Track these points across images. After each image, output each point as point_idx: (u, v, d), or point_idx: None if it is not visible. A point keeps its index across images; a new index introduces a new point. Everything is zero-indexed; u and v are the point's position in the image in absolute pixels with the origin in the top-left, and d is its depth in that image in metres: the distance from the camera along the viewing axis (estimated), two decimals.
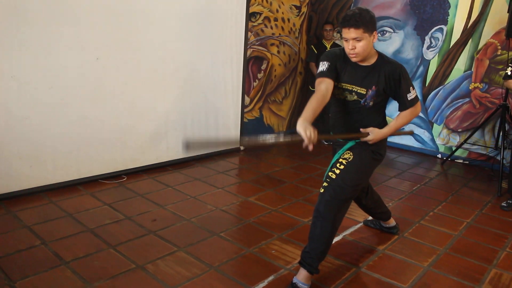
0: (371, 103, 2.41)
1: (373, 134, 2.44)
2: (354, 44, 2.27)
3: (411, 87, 2.39)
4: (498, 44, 4.85)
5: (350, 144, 2.52)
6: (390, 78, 2.35)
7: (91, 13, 3.54)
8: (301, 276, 2.37)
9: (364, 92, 2.38)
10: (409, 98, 2.39)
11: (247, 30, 4.99)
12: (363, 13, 2.24)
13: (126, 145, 4.05)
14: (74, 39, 3.48)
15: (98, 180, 3.87)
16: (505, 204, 3.80)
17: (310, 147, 2.05)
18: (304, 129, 2.03)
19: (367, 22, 2.23)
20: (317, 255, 2.36)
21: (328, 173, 2.44)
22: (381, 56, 2.42)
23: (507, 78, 3.74)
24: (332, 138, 2.67)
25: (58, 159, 3.58)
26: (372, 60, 2.39)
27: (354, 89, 2.41)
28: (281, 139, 2.28)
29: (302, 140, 2.05)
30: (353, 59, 2.36)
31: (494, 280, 2.62)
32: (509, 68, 3.72)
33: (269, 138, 2.23)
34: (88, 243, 2.78)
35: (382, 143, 2.56)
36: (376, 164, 2.61)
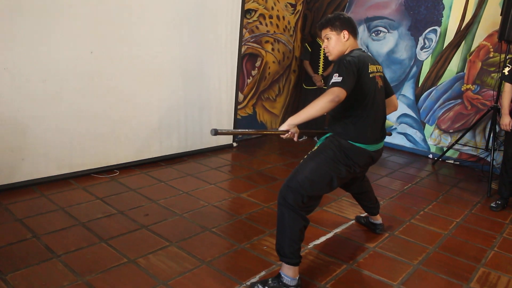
0: None
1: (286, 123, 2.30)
2: (326, 43, 2.51)
3: (339, 73, 2.20)
4: (491, 47, 4.90)
5: (319, 141, 2.55)
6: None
7: (86, 6, 3.52)
8: (282, 267, 2.37)
9: None
10: (332, 81, 2.21)
11: (242, 26, 4.99)
12: (331, 16, 2.49)
13: (119, 140, 4.04)
14: (68, 32, 3.46)
15: (90, 174, 3.86)
16: (494, 205, 3.84)
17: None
18: None
19: (333, 21, 2.45)
20: (279, 249, 2.34)
21: None
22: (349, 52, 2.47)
23: (505, 78, 3.72)
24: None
25: (50, 152, 3.56)
26: None
27: None
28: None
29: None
30: (329, 58, 2.54)
31: (482, 279, 2.66)
32: (507, 68, 3.71)
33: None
34: (80, 236, 2.78)
35: (354, 150, 2.41)
36: (339, 168, 2.38)
